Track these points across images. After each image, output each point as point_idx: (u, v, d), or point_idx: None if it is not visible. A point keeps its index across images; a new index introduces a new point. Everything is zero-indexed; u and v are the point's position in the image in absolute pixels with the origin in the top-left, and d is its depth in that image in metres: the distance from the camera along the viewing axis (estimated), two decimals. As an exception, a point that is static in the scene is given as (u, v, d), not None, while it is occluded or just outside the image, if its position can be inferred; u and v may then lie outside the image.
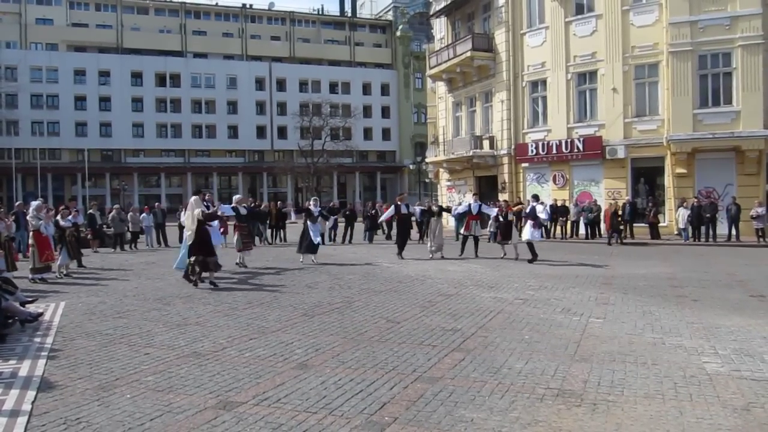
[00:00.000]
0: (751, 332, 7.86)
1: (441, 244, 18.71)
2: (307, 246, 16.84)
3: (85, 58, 65.05)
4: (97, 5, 68.76)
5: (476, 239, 18.92)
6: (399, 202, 20.10)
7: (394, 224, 23.23)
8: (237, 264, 15.94)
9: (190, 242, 12.50)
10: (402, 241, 19.22)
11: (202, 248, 12.52)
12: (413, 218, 23.08)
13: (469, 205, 19.32)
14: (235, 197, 16.07)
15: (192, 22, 71.47)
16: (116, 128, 65.04)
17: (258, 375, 6.12)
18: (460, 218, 27.34)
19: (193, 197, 12.98)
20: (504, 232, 17.92)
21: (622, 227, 23.97)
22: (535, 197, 17.51)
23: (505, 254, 17.84)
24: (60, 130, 63.64)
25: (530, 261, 16.53)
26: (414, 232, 23.93)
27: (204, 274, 12.56)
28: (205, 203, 13.66)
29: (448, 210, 21.69)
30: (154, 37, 69.32)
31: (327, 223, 21.76)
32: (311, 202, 18.29)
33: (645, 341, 7.44)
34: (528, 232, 16.89)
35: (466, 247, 19.03)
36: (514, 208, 19.30)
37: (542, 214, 17.05)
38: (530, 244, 16.79)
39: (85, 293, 11.95)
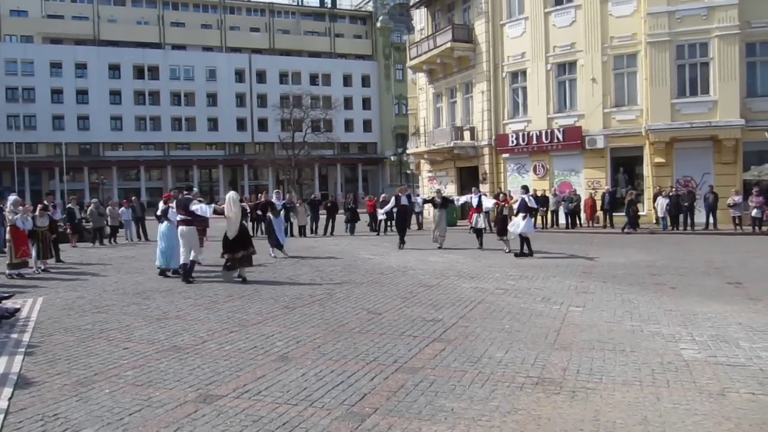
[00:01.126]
0: (727, 318, 7.98)
1: (443, 235, 18.75)
2: (274, 241, 16.74)
3: (61, 51, 64.11)
4: (73, -4, 67.81)
5: (479, 231, 18.61)
6: (399, 194, 20.34)
7: (383, 215, 23.53)
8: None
9: (233, 237, 12.15)
10: (402, 232, 19.46)
11: (246, 243, 12.40)
12: (416, 209, 23.15)
13: (470, 197, 19.13)
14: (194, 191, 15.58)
15: (170, 13, 70.66)
16: (94, 121, 64.24)
17: (238, 368, 6.10)
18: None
19: (233, 192, 12.76)
20: (500, 226, 17.29)
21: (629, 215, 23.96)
22: (525, 188, 16.77)
23: (510, 250, 16.67)
24: (36, 124, 62.74)
25: (524, 255, 15.70)
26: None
27: (235, 269, 12.29)
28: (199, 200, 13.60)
29: (451, 201, 21.17)
30: (131, 28, 68.44)
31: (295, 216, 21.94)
32: (273, 195, 18.00)
33: (624, 329, 7.52)
34: (521, 225, 15.89)
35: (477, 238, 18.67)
36: (510, 202, 19.10)
37: (531, 203, 16.65)
38: (527, 239, 15.99)
39: (63, 288, 11.82)
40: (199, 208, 13.06)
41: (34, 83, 62.63)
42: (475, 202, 18.72)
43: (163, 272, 13.12)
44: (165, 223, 13.37)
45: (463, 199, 20.56)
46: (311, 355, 6.55)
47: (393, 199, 20.63)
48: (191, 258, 12.39)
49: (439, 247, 18.45)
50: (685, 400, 4.99)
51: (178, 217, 12.52)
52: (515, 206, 17.21)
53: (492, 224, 21.21)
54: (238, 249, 12.18)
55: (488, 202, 19.08)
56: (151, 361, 6.39)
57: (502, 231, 17.02)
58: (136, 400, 5.20)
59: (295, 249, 18.47)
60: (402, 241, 19.15)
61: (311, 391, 5.34)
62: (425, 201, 21.69)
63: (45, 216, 15.38)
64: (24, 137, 61.69)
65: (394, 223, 26.71)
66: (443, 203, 19.56)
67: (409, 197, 21.30)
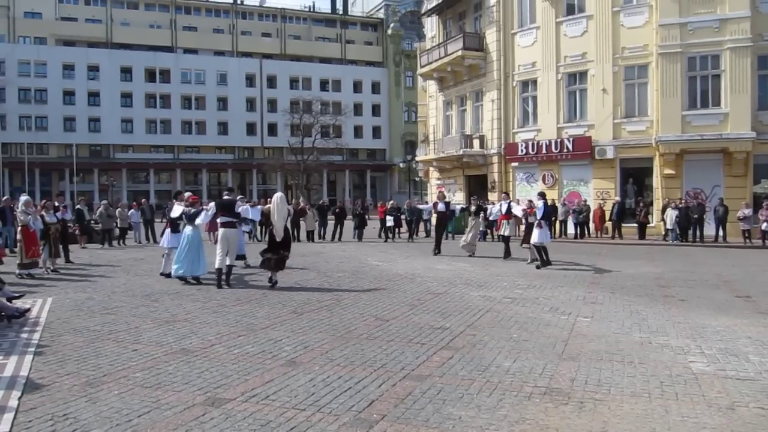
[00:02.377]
0: (736, 332, 7.94)
1: (474, 243, 18.48)
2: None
3: (74, 53, 64.66)
4: (86, -1, 68.40)
5: (506, 239, 18.11)
6: (438, 200, 20.57)
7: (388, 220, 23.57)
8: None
9: (279, 239, 11.96)
10: (438, 238, 19.44)
11: (286, 246, 12.25)
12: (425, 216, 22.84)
13: (500, 204, 18.64)
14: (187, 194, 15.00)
15: (182, 17, 71.15)
16: (105, 123, 64.70)
17: (246, 372, 6.11)
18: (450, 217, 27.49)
19: (280, 194, 12.57)
20: (527, 234, 16.67)
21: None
22: (542, 195, 16.31)
23: (531, 260, 16.14)
24: (48, 125, 63.26)
25: (539, 266, 15.16)
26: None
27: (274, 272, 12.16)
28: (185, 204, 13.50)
29: (484, 209, 20.29)
30: (144, 32, 68.95)
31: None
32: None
33: (632, 340, 7.49)
34: (537, 234, 15.46)
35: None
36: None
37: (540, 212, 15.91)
38: (544, 249, 15.36)
39: (72, 289, 11.88)
40: (244, 209, 13.01)
41: (46, 85, 63.20)
42: (504, 209, 18.11)
43: (185, 279, 12.42)
44: (190, 228, 12.58)
45: (497, 208, 19.35)
46: (319, 360, 6.56)
47: (431, 204, 20.47)
48: (228, 263, 12.06)
49: (470, 255, 18.16)
50: (694, 413, 4.97)
51: (221, 219, 12.21)
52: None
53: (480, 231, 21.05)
54: (278, 251, 12.04)
55: (518, 210, 17.99)
56: (160, 364, 6.42)
57: (526, 239, 16.61)
58: (144, 402, 5.22)
59: (303, 254, 18.50)
60: (437, 248, 18.99)
61: (319, 397, 5.34)
62: (462, 209, 21.45)
63: (52, 215, 15.45)
64: (35, 138, 62.15)
65: (398, 229, 26.85)
66: (477, 211, 19.30)
67: (447, 204, 21.08)
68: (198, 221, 12.73)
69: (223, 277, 11.97)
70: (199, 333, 7.89)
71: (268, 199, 15.42)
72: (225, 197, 13.01)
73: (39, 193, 53.66)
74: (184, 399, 5.30)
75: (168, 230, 13.74)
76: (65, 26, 66.45)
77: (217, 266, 12.01)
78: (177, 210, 13.21)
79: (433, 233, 27.11)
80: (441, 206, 20.12)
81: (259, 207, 13.95)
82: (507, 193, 21.66)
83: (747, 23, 24.08)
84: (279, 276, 12.08)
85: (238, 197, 13.96)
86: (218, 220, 12.42)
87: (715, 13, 24.50)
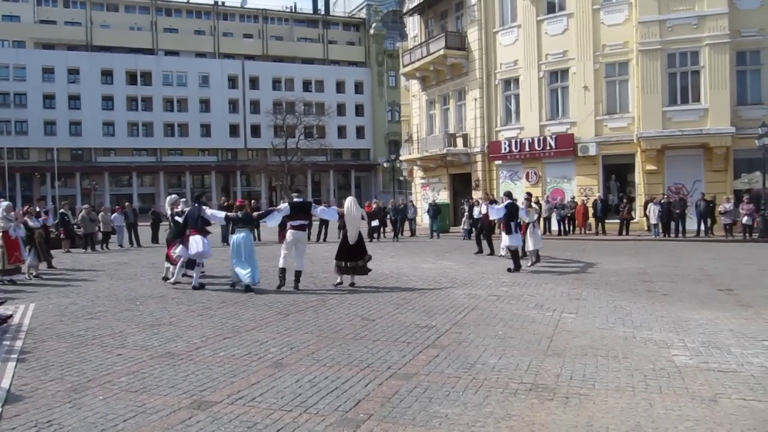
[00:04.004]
0: (718, 325, 8.03)
1: (537, 249, 15.73)
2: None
3: (53, 56, 63.99)
4: (65, 2, 67.73)
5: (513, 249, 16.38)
6: (480, 201, 19.67)
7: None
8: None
9: (353, 242, 11.89)
10: (481, 242, 18.61)
11: (361, 252, 12.09)
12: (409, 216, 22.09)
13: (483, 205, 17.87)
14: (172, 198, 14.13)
15: (163, 19, 70.67)
16: (86, 127, 64.08)
17: (232, 374, 6.09)
18: (434, 216, 27.59)
19: (352, 198, 12.46)
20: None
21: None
22: (507, 194, 15.54)
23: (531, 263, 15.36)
24: (28, 129, 62.57)
25: (511, 270, 14.21)
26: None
27: (341, 274, 12.07)
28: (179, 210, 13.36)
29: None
30: (124, 34, 68.39)
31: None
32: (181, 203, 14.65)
33: (616, 335, 7.55)
34: (507, 237, 14.83)
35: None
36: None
37: (497, 213, 15.11)
38: (515, 252, 14.55)
39: (55, 294, 11.77)
40: (321, 210, 12.84)
41: (26, 88, 62.49)
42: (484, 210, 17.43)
43: (249, 288, 11.66)
44: (242, 233, 11.90)
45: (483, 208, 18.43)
46: (305, 361, 6.56)
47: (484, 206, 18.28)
48: (298, 267, 11.90)
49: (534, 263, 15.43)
50: (678, 406, 5.02)
51: (293, 222, 11.94)
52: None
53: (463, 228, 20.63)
54: (352, 257, 11.92)
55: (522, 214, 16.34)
56: (145, 368, 6.38)
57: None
58: (130, 406, 5.19)
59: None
60: (480, 250, 18.20)
61: (305, 398, 5.34)
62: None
63: (35, 220, 15.30)
64: (15, 142, 61.48)
65: (384, 229, 26.75)
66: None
67: (493, 201, 18.35)
68: (270, 223, 12.65)
69: (281, 278, 11.88)
70: (185, 336, 7.85)
71: (341, 201, 15.01)
72: (296, 199, 12.64)
73: (20, 199, 53.06)
74: (169, 403, 5.27)
75: (199, 237, 12.28)
76: (44, 29, 65.74)
77: (280, 265, 11.94)
78: (216, 214, 12.89)
79: (431, 233, 27.07)
80: (484, 208, 17.79)
81: (334, 208, 13.61)
82: (470, 194, 21.04)
83: (725, 20, 24.36)
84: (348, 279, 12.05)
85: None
86: (289, 222, 12.15)
87: (693, 10, 24.77)
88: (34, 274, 14.60)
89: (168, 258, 13.03)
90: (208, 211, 12.82)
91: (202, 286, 12.08)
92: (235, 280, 11.94)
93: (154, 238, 25.43)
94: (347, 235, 11.95)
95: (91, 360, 6.72)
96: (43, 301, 10.97)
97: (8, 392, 5.63)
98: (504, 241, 15.14)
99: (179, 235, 12.65)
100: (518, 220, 14.94)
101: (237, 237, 11.89)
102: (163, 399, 5.37)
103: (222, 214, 13.03)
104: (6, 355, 7.03)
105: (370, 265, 12.26)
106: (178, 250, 12.49)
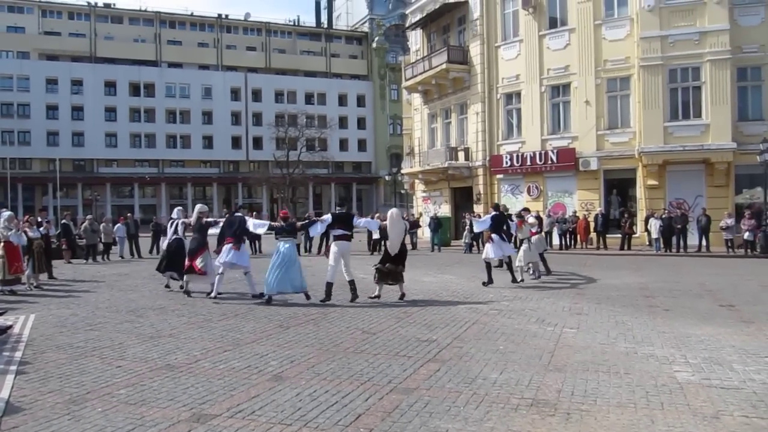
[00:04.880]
0: (720, 341, 7.99)
1: (534, 261, 15.63)
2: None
3: (57, 67, 64.24)
4: (69, 14, 68.09)
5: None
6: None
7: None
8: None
9: (395, 253, 12.00)
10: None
11: (401, 259, 12.19)
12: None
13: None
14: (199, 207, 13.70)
15: (167, 31, 71.01)
16: (89, 138, 64.21)
17: (232, 387, 6.07)
18: (436, 229, 27.60)
19: (395, 209, 12.43)
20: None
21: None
22: (495, 206, 15.25)
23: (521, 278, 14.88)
24: (31, 140, 62.69)
25: (485, 283, 14.02)
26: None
27: (381, 284, 12.08)
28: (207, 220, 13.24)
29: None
30: (128, 46, 68.70)
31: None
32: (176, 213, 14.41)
33: (617, 351, 7.52)
34: (488, 248, 14.29)
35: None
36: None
37: (480, 225, 14.92)
38: (488, 265, 14.25)
39: (55, 305, 11.75)
40: (365, 221, 12.80)
41: (29, 99, 62.69)
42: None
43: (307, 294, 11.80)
44: (286, 243, 11.83)
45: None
46: (305, 374, 6.53)
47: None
48: (348, 278, 11.88)
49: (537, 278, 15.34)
50: (680, 422, 4.99)
51: (336, 232, 11.95)
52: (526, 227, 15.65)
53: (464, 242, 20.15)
54: (393, 266, 11.98)
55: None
56: (145, 380, 6.35)
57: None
58: (129, 419, 5.16)
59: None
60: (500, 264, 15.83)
61: (305, 411, 5.31)
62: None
63: (35, 230, 15.29)
64: (18, 153, 61.59)
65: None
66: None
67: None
68: (313, 233, 12.72)
69: (328, 292, 11.80)
70: (185, 348, 7.83)
71: (377, 214, 14.99)
72: (339, 210, 12.68)
73: (22, 209, 53.06)
74: (169, 415, 5.25)
75: (243, 247, 12.38)
76: (48, 40, 66.07)
77: (328, 279, 11.86)
78: (259, 224, 12.81)
79: (432, 246, 26.94)
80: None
81: (376, 221, 13.51)
82: (473, 208, 20.11)
83: (726, 36, 24.46)
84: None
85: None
86: (332, 233, 12.18)
87: (695, 25, 24.89)
88: (35, 284, 14.59)
89: (192, 269, 12.55)
90: (251, 222, 12.78)
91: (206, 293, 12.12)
92: (268, 291, 11.62)
93: (152, 250, 25.41)
94: (388, 247, 12.05)
95: (91, 372, 6.70)
96: (43, 311, 10.95)
97: (7, 403, 5.61)
98: (485, 252, 14.54)
99: (200, 245, 12.62)
100: (504, 233, 14.41)
101: (282, 247, 11.77)
102: (162, 412, 5.35)
103: (266, 224, 12.89)
104: (5, 366, 7.00)
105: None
106: (220, 258, 12.20)
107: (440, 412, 5.27)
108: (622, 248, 24.72)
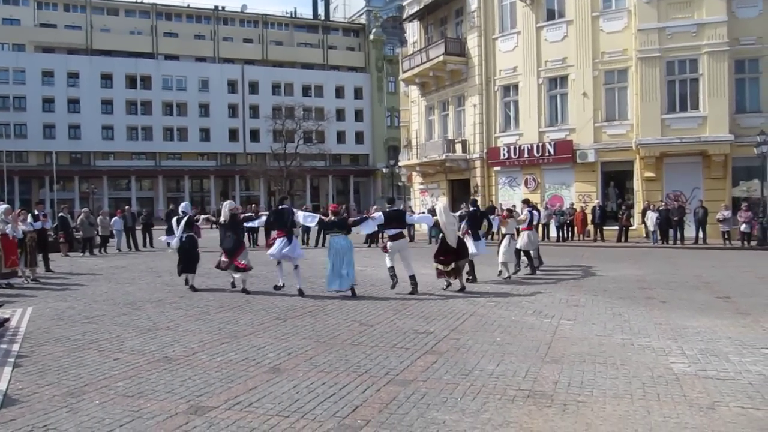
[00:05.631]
0: (716, 333, 8.02)
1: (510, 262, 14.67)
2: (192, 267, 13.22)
3: (53, 59, 63.98)
4: (65, 6, 67.76)
5: (527, 253, 15.28)
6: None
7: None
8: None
9: (454, 246, 12.00)
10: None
11: (461, 253, 12.21)
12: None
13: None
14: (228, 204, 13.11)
15: (163, 23, 70.74)
16: (85, 130, 64.03)
17: (230, 379, 6.08)
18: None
19: (443, 202, 12.37)
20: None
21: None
22: (473, 201, 14.83)
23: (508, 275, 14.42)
24: (27, 133, 62.49)
25: (468, 280, 13.37)
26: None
27: (450, 277, 12.10)
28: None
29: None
30: (124, 38, 68.44)
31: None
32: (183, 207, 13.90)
33: (614, 342, 7.55)
34: (470, 244, 13.60)
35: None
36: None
37: (422, 221, 14.53)
38: (470, 262, 13.54)
39: (53, 298, 11.75)
40: (418, 217, 12.73)
41: (25, 92, 62.45)
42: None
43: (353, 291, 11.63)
44: (340, 237, 11.75)
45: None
46: (303, 366, 6.54)
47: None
48: (410, 273, 11.88)
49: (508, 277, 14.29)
50: (676, 413, 5.01)
51: (390, 231, 11.93)
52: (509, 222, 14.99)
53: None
54: (452, 258, 12.00)
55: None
56: (142, 372, 6.36)
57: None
58: (126, 411, 5.18)
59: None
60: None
61: (303, 403, 5.33)
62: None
63: (28, 223, 15.24)
64: (14, 146, 61.37)
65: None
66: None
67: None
68: (364, 231, 12.69)
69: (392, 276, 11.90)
70: (182, 341, 7.83)
71: (374, 206, 14.72)
72: (390, 208, 12.55)
73: (18, 202, 52.89)
74: (166, 408, 5.26)
75: (294, 239, 12.20)
76: (44, 33, 65.77)
77: (411, 273, 11.91)
78: (309, 217, 12.72)
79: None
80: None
81: (429, 216, 13.30)
82: (472, 199, 16.93)
83: (724, 28, 24.41)
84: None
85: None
86: (386, 232, 12.17)
87: (692, 18, 24.83)
88: (31, 277, 14.58)
89: (237, 267, 12.13)
90: (301, 214, 12.72)
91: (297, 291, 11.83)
92: (331, 288, 11.61)
93: (144, 243, 25.38)
94: (446, 240, 12.02)
95: (88, 364, 6.71)
96: (40, 304, 10.95)
97: (4, 396, 5.61)
98: (471, 247, 13.65)
99: (239, 242, 12.37)
100: (483, 230, 14.19)
101: (334, 242, 11.73)
102: (159, 404, 5.36)
103: (316, 217, 12.79)
104: (2, 358, 7.01)
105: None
106: (272, 251, 12.04)
107: (437, 404, 5.28)
108: (619, 240, 24.77)
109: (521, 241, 14.98)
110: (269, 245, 12.31)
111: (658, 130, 25.37)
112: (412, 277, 11.92)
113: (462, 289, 12.07)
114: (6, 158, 58.28)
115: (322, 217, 12.50)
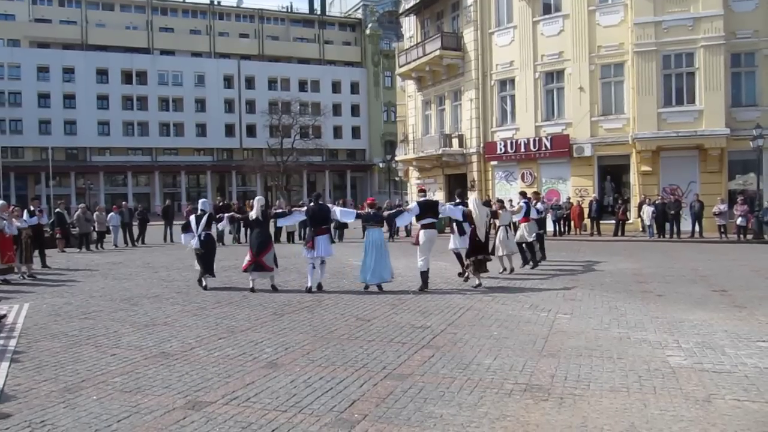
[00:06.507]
0: (713, 326, 8.05)
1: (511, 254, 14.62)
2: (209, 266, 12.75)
3: (48, 55, 63.72)
4: (60, 1, 67.33)
5: (530, 246, 15.22)
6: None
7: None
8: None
9: (483, 240, 11.96)
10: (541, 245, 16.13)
11: (485, 248, 12.22)
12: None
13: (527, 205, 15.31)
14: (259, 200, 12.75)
15: (159, 18, 70.45)
16: (81, 126, 63.84)
17: (227, 374, 6.08)
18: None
19: (475, 198, 12.35)
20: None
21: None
22: (459, 194, 14.33)
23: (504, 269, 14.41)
24: (23, 128, 62.27)
25: (460, 274, 13.30)
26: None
27: (477, 274, 11.99)
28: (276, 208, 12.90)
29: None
30: (120, 33, 68.13)
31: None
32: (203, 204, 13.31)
33: (611, 336, 7.57)
34: (451, 239, 13.54)
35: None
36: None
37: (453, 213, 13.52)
38: (458, 255, 13.37)
39: (49, 294, 11.74)
40: (449, 209, 12.66)
41: (20, 87, 62.19)
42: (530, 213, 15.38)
43: (379, 286, 11.57)
44: (376, 231, 11.77)
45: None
46: (300, 361, 6.55)
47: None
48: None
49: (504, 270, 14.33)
50: (672, 406, 5.03)
51: (424, 221, 11.83)
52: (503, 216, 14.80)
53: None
54: (483, 251, 12.02)
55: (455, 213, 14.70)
56: (139, 368, 6.36)
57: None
58: (124, 406, 5.18)
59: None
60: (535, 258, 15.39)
61: (300, 398, 5.33)
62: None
63: (22, 220, 15.21)
64: (10, 141, 61.17)
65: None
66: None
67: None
68: (399, 223, 12.87)
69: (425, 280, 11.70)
70: (179, 336, 7.84)
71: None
72: (423, 198, 12.63)
73: (14, 198, 52.80)
74: (164, 403, 5.26)
75: (325, 237, 12.05)
76: (39, 28, 65.44)
77: (422, 269, 11.73)
78: (346, 213, 12.69)
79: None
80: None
81: (460, 207, 13.08)
82: (465, 194, 17.00)
83: (720, 21, 24.42)
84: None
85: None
86: (419, 222, 12.07)
87: (689, 11, 24.82)
88: (28, 273, 14.56)
89: (260, 265, 11.76)
90: (338, 210, 12.68)
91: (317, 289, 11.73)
92: (362, 280, 11.63)
93: (140, 238, 25.32)
94: (477, 234, 11.95)
95: (85, 360, 6.71)
96: (37, 300, 10.94)
97: (2, 392, 5.61)
98: (451, 242, 13.61)
99: (268, 239, 12.12)
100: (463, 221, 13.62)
101: (371, 235, 11.73)
102: (157, 399, 5.36)
103: (353, 212, 12.72)
104: (-1, 354, 7.01)
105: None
106: (315, 252, 11.73)
107: (434, 398, 5.30)
108: (615, 234, 24.82)
109: (519, 233, 15.00)
110: (310, 246, 11.86)
111: (655, 124, 25.38)
112: (424, 274, 11.75)
113: (478, 286, 11.78)
114: (2, 154, 58.09)
115: (359, 212, 12.53)
